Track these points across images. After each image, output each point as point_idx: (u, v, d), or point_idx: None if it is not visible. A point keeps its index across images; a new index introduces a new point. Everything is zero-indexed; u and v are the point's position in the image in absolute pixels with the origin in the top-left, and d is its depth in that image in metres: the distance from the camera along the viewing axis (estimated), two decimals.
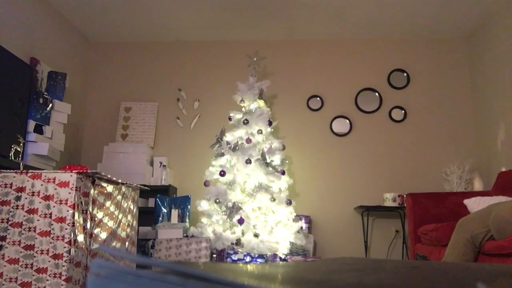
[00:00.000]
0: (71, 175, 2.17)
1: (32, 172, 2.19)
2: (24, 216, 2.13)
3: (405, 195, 3.85)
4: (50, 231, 2.10)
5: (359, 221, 4.35)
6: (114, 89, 4.84)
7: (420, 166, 4.44)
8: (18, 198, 2.15)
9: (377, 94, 4.62)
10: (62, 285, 2.04)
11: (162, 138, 4.68)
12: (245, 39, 4.82)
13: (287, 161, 4.13)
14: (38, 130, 3.47)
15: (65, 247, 2.08)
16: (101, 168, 4.17)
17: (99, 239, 2.39)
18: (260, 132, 3.96)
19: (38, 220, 2.12)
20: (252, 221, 3.65)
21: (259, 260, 3.45)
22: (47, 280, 2.04)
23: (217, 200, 3.74)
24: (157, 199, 3.93)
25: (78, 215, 2.16)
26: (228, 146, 3.93)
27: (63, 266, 2.06)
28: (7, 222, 2.12)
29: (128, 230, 2.81)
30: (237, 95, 4.18)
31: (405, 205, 3.81)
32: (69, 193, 2.14)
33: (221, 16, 4.32)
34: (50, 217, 2.12)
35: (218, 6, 4.13)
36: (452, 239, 2.47)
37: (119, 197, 2.67)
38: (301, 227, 3.92)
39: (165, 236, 3.61)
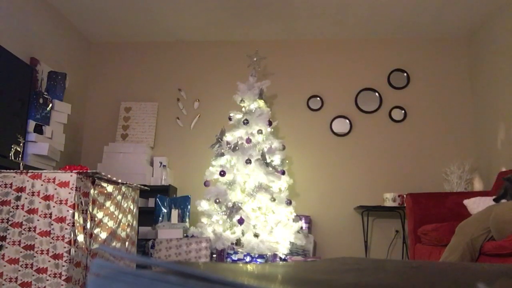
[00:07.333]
0: (71, 175, 2.17)
1: (32, 172, 2.18)
2: (24, 216, 2.13)
3: (405, 195, 3.85)
4: (50, 231, 2.10)
5: (359, 221, 4.35)
6: (114, 89, 4.84)
7: (420, 166, 4.44)
8: (18, 198, 2.15)
9: (377, 94, 4.62)
10: (62, 285, 2.04)
11: (162, 138, 4.68)
12: (245, 39, 4.81)
13: (287, 161, 4.13)
14: (38, 130, 3.47)
15: (65, 247, 2.07)
16: (101, 168, 4.17)
17: (99, 239, 2.39)
18: (260, 132, 3.96)
19: (38, 220, 2.12)
20: (252, 221, 3.65)
21: (259, 260, 3.45)
22: (47, 280, 2.04)
23: (217, 200, 3.74)
24: (157, 199, 3.93)
25: (78, 215, 2.16)
26: (228, 146, 3.93)
27: (63, 266, 2.06)
28: (7, 222, 2.12)
29: (128, 230, 2.81)
30: (237, 95, 4.17)
31: (405, 205, 3.81)
32: (69, 193, 2.14)
33: (221, 16, 4.32)
34: (50, 217, 2.12)
35: (218, 6, 4.13)
36: (451, 242, 2.46)
37: (119, 197, 2.67)
38: (301, 227, 3.92)
39: (165, 236, 3.61)
